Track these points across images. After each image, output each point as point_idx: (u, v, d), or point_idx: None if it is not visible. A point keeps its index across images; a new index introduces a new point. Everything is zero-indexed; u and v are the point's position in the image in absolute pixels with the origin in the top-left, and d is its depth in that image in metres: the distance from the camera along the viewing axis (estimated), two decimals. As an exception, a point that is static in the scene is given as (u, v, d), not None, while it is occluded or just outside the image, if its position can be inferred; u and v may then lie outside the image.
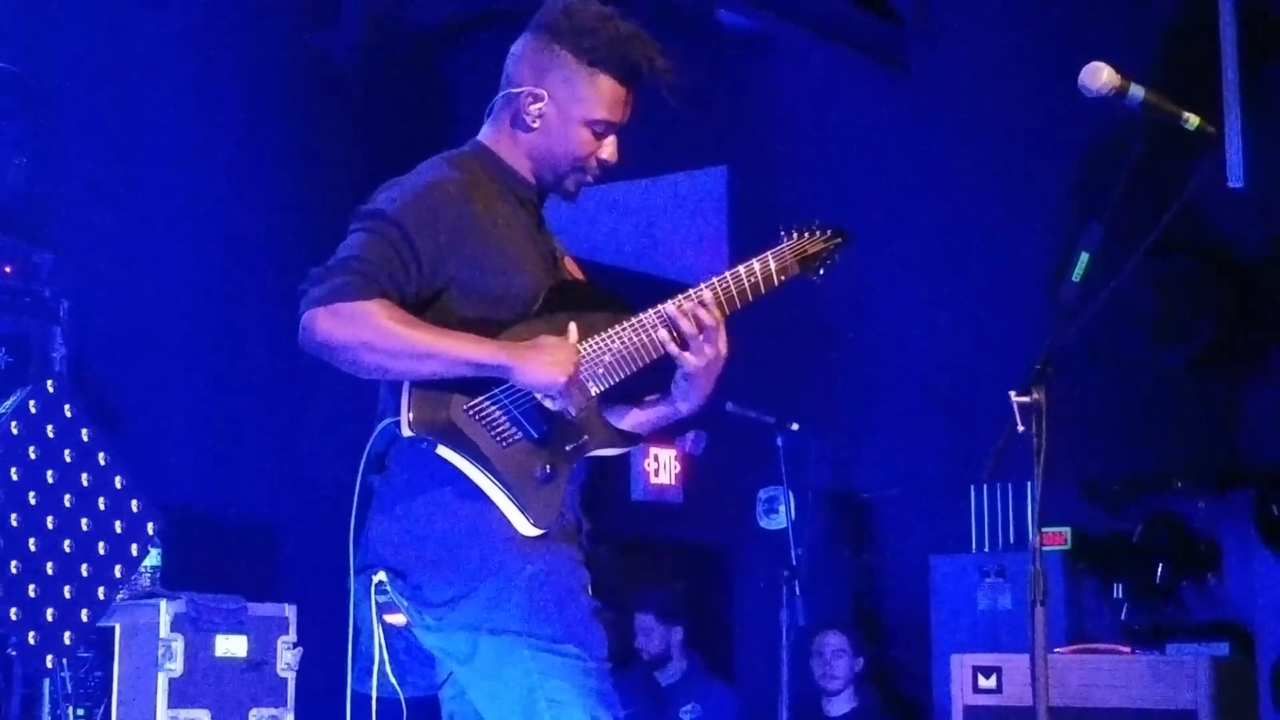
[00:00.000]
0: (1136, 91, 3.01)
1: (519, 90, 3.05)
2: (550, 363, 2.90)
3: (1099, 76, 2.99)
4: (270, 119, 6.31)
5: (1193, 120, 3.03)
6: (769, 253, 3.11)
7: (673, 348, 3.01)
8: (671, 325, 3.01)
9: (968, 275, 6.75)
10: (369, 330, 2.83)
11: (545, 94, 3.04)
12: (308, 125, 6.42)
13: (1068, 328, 2.98)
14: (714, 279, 3.06)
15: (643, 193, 7.84)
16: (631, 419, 3.15)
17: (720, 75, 7.29)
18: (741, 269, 3.08)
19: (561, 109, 3.04)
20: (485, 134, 3.13)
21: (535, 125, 3.06)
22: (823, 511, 7.13)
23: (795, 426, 5.74)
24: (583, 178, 3.11)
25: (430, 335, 2.86)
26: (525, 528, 2.91)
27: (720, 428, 6.12)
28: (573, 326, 2.98)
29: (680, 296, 3.04)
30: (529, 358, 2.89)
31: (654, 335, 3.02)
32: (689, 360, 3.02)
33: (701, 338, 3.01)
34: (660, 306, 3.03)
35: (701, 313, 3.01)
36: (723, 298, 3.04)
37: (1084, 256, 2.99)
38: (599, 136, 3.07)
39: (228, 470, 6.01)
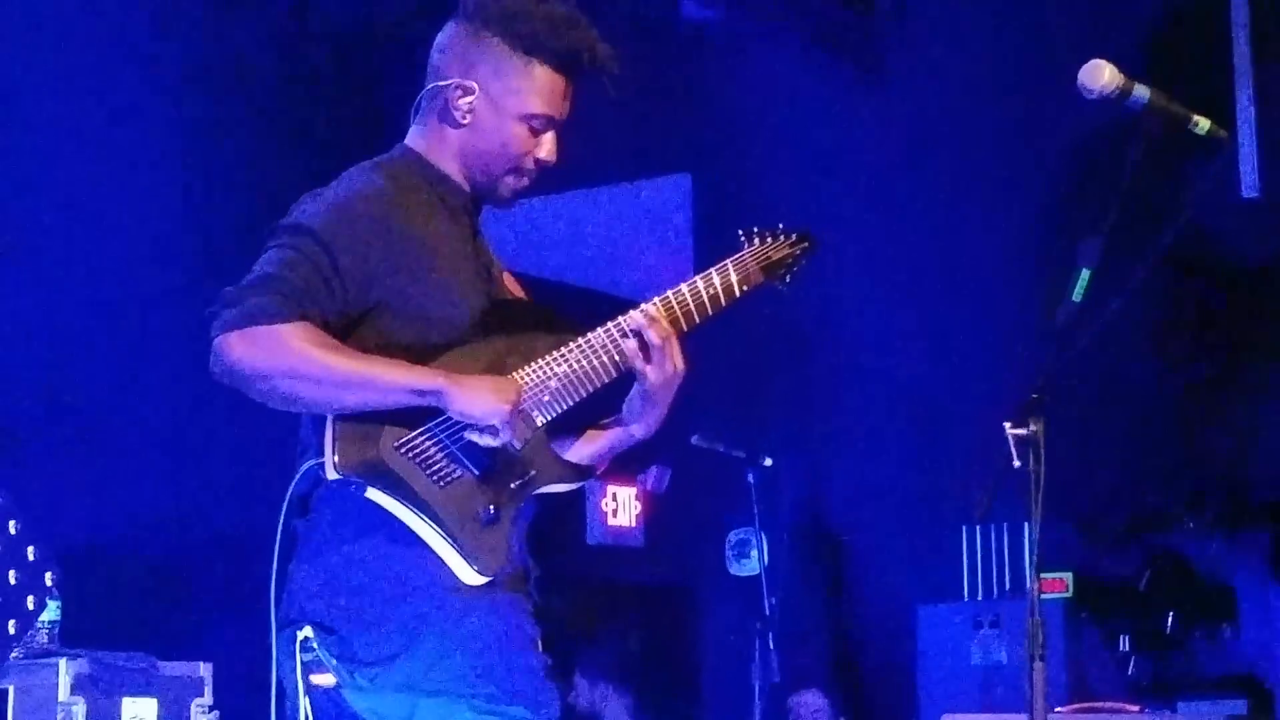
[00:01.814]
0: (1141, 92, 3.02)
1: (445, 83, 3.06)
2: (491, 389, 2.89)
3: (1100, 75, 3.00)
4: (178, 122, 6.27)
5: (1203, 124, 3.05)
6: (729, 260, 3.13)
7: (638, 361, 3.01)
8: (632, 337, 3.01)
9: (955, 292, 6.77)
10: (288, 356, 2.82)
11: (475, 86, 3.04)
12: (221, 129, 6.39)
13: (1066, 351, 2.99)
14: (669, 291, 3.07)
15: (599, 203, 7.85)
16: (582, 450, 3.15)
17: (683, 75, 7.31)
18: (699, 280, 3.10)
19: (494, 102, 3.05)
20: (412, 136, 3.13)
21: (465, 121, 3.06)
22: (799, 555, 7.13)
23: (768, 462, 5.74)
24: (519, 181, 3.12)
25: (355, 361, 2.86)
26: (468, 576, 2.90)
27: (685, 463, 6.12)
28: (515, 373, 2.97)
29: (633, 311, 3.04)
30: (467, 384, 2.89)
31: (605, 357, 3.02)
32: (650, 376, 3.02)
33: (661, 352, 3.01)
34: (609, 325, 3.04)
35: (656, 329, 3.01)
36: (679, 312, 3.06)
37: (1084, 274, 3.00)
38: (535, 133, 3.07)
39: (134, 512, 5.95)
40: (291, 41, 6.75)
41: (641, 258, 7.80)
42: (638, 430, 3.14)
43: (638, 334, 3.02)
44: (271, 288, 2.85)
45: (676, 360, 3.05)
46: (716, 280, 3.09)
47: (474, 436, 2.91)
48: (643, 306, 3.05)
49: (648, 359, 3.02)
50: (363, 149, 3.19)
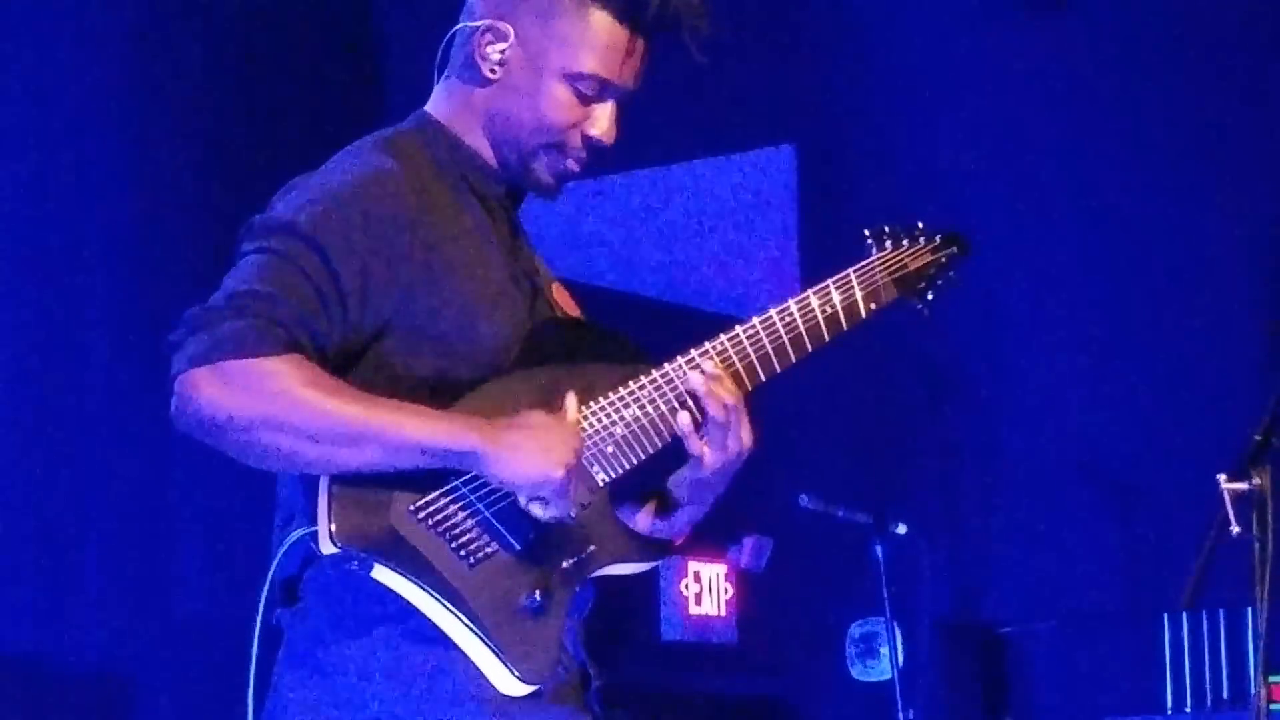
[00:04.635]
0: None
1: (477, 24, 3.09)
2: (542, 447, 2.91)
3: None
4: (112, 80, 6.29)
5: None
6: (851, 271, 3.16)
7: (692, 440, 3.02)
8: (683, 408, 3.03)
9: (1145, 303, 6.75)
10: (275, 400, 2.85)
11: (510, 30, 3.07)
12: (170, 93, 6.41)
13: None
14: (772, 309, 3.09)
15: (679, 184, 7.87)
16: (654, 518, 3.17)
17: (787, 18, 7.31)
18: (812, 295, 3.12)
19: (531, 53, 3.07)
20: (435, 99, 3.17)
21: (494, 75, 3.09)
22: (944, 653, 7.12)
23: (902, 529, 5.74)
24: (561, 163, 3.12)
25: (361, 408, 2.88)
26: (507, 684, 2.93)
27: (791, 532, 6.12)
28: (571, 399, 2.99)
29: (724, 337, 3.07)
30: (510, 439, 2.90)
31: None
32: (707, 460, 3.04)
33: (723, 428, 3.02)
34: (694, 353, 3.06)
35: (716, 396, 3.01)
36: (786, 338, 3.08)
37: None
38: (585, 100, 3.09)
39: (59, 604, 5.99)
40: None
41: (733, 252, 7.81)
42: (685, 519, 3.15)
43: (694, 398, 3.03)
44: (251, 309, 2.87)
45: (744, 436, 3.06)
46: (835, 297, 3.12)
47: (520, 502, 2.93)
48: (719, 340, 3.06)
49: (703, 438, 3.04)
50: (364, 119, 3.22)
